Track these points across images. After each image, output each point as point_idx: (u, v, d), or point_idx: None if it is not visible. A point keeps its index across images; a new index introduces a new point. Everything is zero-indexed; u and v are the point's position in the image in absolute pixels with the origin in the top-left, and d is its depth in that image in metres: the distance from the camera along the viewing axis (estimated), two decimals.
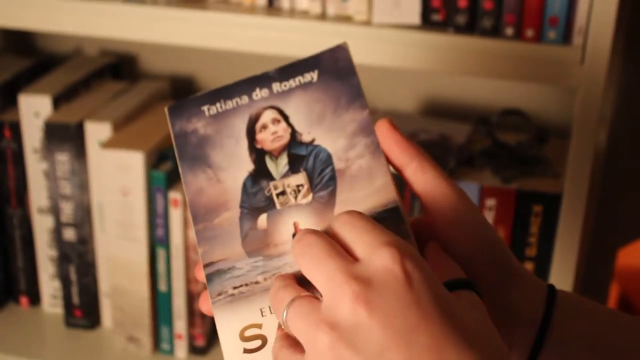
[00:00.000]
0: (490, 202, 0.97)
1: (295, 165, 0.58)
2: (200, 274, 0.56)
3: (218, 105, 0.61)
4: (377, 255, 0.46)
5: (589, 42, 0.84)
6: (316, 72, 0.60)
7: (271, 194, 0.57)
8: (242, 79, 0.61)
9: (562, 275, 0.93)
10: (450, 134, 1.06)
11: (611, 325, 0.57)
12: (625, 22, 0.93)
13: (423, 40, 0.88)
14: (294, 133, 0.59)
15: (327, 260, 0.47)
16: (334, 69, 0.60)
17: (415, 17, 0.90)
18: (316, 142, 0.58)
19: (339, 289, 0.45)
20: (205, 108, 0.61)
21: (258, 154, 0.59)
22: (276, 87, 0.60)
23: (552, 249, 0.95)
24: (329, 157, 0.58)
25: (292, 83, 0.60)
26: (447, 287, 0.48)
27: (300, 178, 0.57)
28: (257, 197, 0.58)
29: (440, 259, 0.52)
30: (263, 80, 0.61)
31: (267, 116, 0.60)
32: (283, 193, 0.57)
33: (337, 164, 0.57)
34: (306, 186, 0.57)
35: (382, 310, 0.44)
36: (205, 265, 0.57)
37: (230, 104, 0.61)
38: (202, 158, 0.60)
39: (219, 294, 0.55)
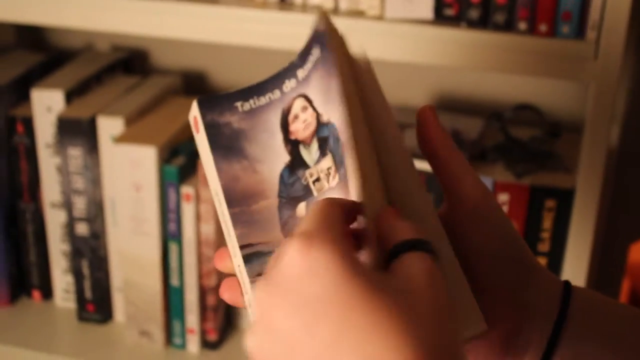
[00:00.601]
0: (503, 197, 0.97)
1: (323, 148, 0.58)
2: (221, 263, 0.57)
3: (251, 101, 0.61)
4: (284, 250, 0.45)
5: (602, 37, 0.83)
6: (318, 47, 0.59)
7: (308, 183, 0.58)
8: (274, 74, 0.61)
9: (574, 270, 0.93)
10: (463, 129, 1.05)
11: (627, 321, 0.57)
12: (639, 17, 0.93)
13: (436, 35, 0.88)
14: (318, 116, 0.59)
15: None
16: (322, 41, 0.58)
17: (428, 12, 0.90)
18: (331, 120, 0.58)
19: (259, 284, 0.46)
20: (238, 104, 0.62)
21: (293, 145, 0.60)
22: (300, 73, 0.60)
23: (564, 244, 0.94)
24: (337, 132, 0.57)
25: (309, 65, 0.60)
26: (395, 251, 0.47)
27: (328, 160, 0.57)
28: (294, 186, 0.58)
29: (387, 224, 0.50)
30: (290, 70, 0.61)
31: (297, 105, 0.60)
32: (318, 179, 0.57)
33: (342, 138, 0.56)
34: (333, 167, 0.57)
35: (284, 308, 0.44)
36: (243, 247, 0.58)
37: (263, 100, 0.61)
38: (237, 149, 0.61)
39: (259, 274, 0.56)
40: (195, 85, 1.26)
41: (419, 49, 0.89)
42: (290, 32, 0.92)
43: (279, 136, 0.60)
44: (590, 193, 0.89)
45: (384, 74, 1.15)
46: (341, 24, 0.90)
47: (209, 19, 0.94)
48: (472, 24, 0.89)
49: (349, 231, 0.49)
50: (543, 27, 0.87)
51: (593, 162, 0.88)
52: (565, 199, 0.95)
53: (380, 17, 0.90)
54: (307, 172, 0.58)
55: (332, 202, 0.49)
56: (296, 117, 0.60)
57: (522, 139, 1.03)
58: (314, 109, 0.59)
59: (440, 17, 0.90)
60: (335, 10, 0.92)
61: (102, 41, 1.28)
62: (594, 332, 0.55)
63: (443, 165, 0.57)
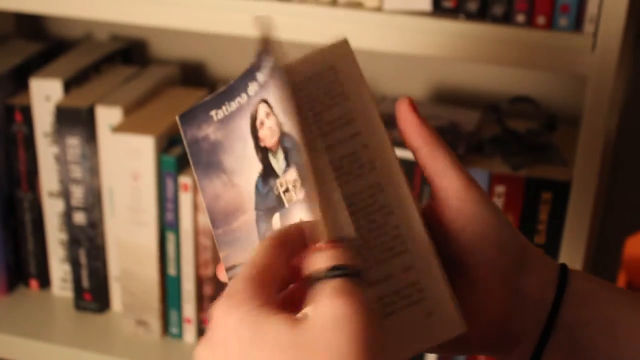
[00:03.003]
0: (500, 189, 0.97)
1: (287, 159, 0.56)
2: (222, 275, 0.58)
3: (224, 108, 0.59)
4: (214, 308, 0.48)
5: (600, 29, 0.84)
6: (269, 57, 0.56)
7: (279, 193, 0.56)
8: (239, 75, 0.59)
9: (570, 263, 0.92)
10: (459, 121, 1.06)
11: (625, 305, 0.57)
12: (637, 10, 0.93)
13: (434, 26, 0.88)
14: (280, 124, 0.56)
15: None
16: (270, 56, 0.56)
17: (426, 4, 0.90)
18: (289, 131, 0.55)
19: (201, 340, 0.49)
20: (213, 113, 0.60)
21: (263, 153, 0.57)
22: (260, 77, 0.57)
23: (560, 237, 0.95)
24: (299, 146, 0.54)
25: (266, 70, 0.57)
26: (309, 280, 0.47)
27: (293, 172, 0.55)
28: (268, 197, 0.57)
29: (310, 253, 0.50)
30: (251, 72, 0.58)
31: (262, 111, 0.57)
32: (287, 190, 0.56)
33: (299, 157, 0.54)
34: (299, 180, 0.54)
35: None
36: (228, 269, 0.58)
37: (234, 105, 0.59)
38: (216, 164, 0.59)
39: None
40: (194, 75, 1.26)
41: (417, 40, 0.89)
42: (290, 22, 0.92)
43: (250, 143, 0.58)
44: (587, 186, 0.89)
45: (382, 66, 1.16)
46: (340, 15, 0.91)
47: (208, 9, 0.94)
48: (471, 16, 0.89)
49: (287, 276, 0.50)
50: (541, 20, 0.87)
51: (590, 154, 0.88)
52: (561, 192, 0.95)
53: (378, 9, 0.91)
54: (278, 182, 0.56)
55: (273, 246, 0.50)
56: (262, 123, 0.57)
57: (519, 131, 1.03)
58: (276, 116, 0.56)
59: (438, 9, 0.90)
60: (334, 2, 0.92)
61: (101, 31, 1.28)
62: (591, 317, 0.55)
63: (425, 159, 0.57)
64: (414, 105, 0.58)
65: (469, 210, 0.55)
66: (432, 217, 0.57)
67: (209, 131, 0.60)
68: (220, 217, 0.58)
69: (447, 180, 0.56)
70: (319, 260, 0.48)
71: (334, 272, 0.46)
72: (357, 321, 0.44)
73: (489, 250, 0.55)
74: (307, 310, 0.46)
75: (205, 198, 0.59)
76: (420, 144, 0.57)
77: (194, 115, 0.61)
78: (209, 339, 0.47)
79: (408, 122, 0.58)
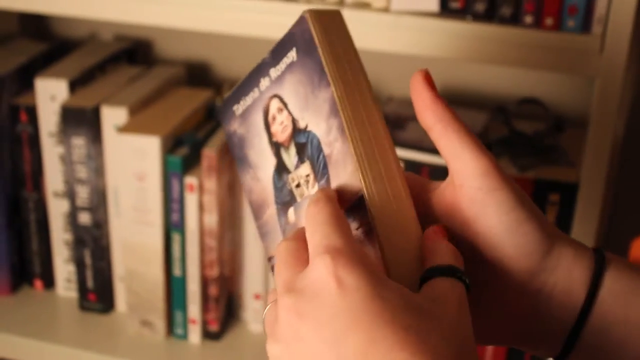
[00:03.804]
0: None
1: (301, 154, 0.55)
2: None
3: (242, 102, 0.60)
4: (314, 264, 0.46)
5: (608, 31, 0.83)
6: (294, 49, 0.55)
7: (291, 188, 0.56)
8: (251, 70, 0.59)
9: None
10: (467, 122, 1.05)
11: None
12: None
13: (441, 27, 0.88)
14: (294, 120, 0.55)
15: (281, 269, 0.49)
16: (304, 44, 0.54)
17: (433, 5, 0.89)
18: (309, 128, 0.54)
19: (279, 301, 0.47)
20: (235, 108, 0.60)
21: (276, 148, 0.57)
22: (273, 72, 0.57)
23: None
24: (319, 142, 0.54)
25: (282, 66, 0.56)
26: (429, 274, 0.48)
27: (307, 167, 0.55)
28: (283, 191, 0.57)
29: (431, 244, 0.50)
30: (263, 67, 0.58)
31: (273, 106, 0.57)
32: (299, 185, 0.56)
33: (325, 150, 0.53)
34: (312, 175, 0.54)
35: (313, 319, 0.44)
36: (269, 259, 0.59)
37: (249, 100, 0.59)
38: (244, 158, 0.60)
39: None
40: (199, 75, 1.26)
41: (424, 41, 0.89)
42: (293, 23, 0.91)
43: (265, 138, 0.58)
44: (594, 187, 0.89)
45: (389, 66, 1.16)
46: (347, 16, 0.90)
47: (213, 9, 0.94)
48: (478, 17, 0.89)
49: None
50: (549, 21, 0.87)
51: (597, 156, 0.87)
52: (569, 193, 0.95)
53: (386, 9, 0.90)
54: (290, 177, 0.56)
55: (334, 207, 0.49)
56: (274, 118, 0.57)
57: (527, 133, 1.03)
58: (289, 112, 0.56)
59: (446, 10, 0.90)
60: (341, 2, 0.92)
61: (105, 31, 1.28)
62: (625, 317, 0.51)
63: (438, 139, 0.53)
64: (429, 79, 0.54)
65: (484, 200, 0.51)
66: (448, 201, 0.53)
67: (235, 126, 0.61)
68: (255, 210, 0.60)
69: (461, 163, 0.52)
70: (446, 255, 0.49)
71: (461, 274, 0.48)
72: (471, 328, 0.47)
73: (505, 246, 0.51)
74: (429, 293, 0.47)
75: (245, 192, 0.61)
76: (432, 122, 0.53)
77: (225, 109, 0.62)
78: (307, 293, 0.45)
79: (420, 97, 0.53)
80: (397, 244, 0.50)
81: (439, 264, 0.48)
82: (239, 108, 0.60)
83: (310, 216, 0.49)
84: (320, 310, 0.44)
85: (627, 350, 0.51)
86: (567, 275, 0.51)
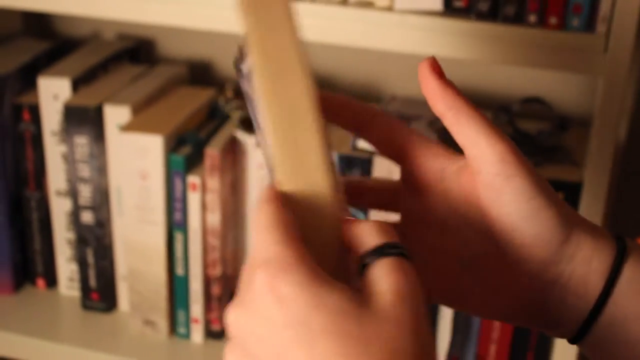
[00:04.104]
0: None
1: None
2: None
3: (246, 61, 0.58)
4: (252, 278, 0.44)
5: (612, 30, 0.83)
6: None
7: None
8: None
9: None
10: None
11: None
12: None
13: (445, 26, 0.88)
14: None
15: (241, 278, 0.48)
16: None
17: (437, 3, 0.89)
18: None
19: (228, 315, 0.45)
20: (242, 67, 0.59)
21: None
22: (244, 68, 0.57)
23: None
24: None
25: (245, 70, 0.57)
26: (363, 263, 0.45)
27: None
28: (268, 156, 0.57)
29: (354, 229, 0.47)
30: (238, 60, 0.59)
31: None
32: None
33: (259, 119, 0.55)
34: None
35: (257, 336, 0.43)
36: None
37: (245, 68, 0.58)
38: (255, 119, 0.59)
39: None
40: (202, 74, 1.26)
41: (427, 40, 0.89)
42: (300, 22, 0.91)
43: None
44: (598, 187, 0.89)
45: (392, 65, 1.16)
46: (350, 15, 0.90)
47: (216, 8, 0.93)
48: (482, 16, 0.88)
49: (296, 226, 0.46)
50: (553, 20, 0.86)
51: (601, 155, 0.87)
52: (572, 193, 0.95)
53: (389, 8, 0.90)
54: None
55: (273, 209, 0.46)
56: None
57: (530, 132, 1.03)
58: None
59: (449, 9, 0.89)
60: (345, 1, 0.92)
61: (108, 30, 1.28)
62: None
63: (452, 127, 0.52)
64: (437, 66, 0.53)
65: (502, 187, 0.50)
66: (465, 186, 0.53)
67: (245, 85, 0.59)
68: (270, 176, 0.58)
69: (477, 150, 0.51)
70: (369, 236, 0.46)
71: (391, 249, 0.45)
72: (419, 298, 0.44)
73: (522, 233, 0.50)
74: (366, 286, 0.44)
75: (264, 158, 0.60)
76: (443, 110, 0.52)
77: (237, 68, 0.60)
78: (250, 308, 0.44)
79: (430, 86, 0.53)
80: (313, 239, 0.47)
81: (369, 247, 0.46)
82: (244, 67, 0.59)
83: (253, 222, 0.47)
84: (261, 327, 0.43)
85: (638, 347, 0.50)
86: (585, 264, 0.51)
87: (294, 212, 0.47)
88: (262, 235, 0.45)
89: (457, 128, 0.52)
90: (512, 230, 0.51)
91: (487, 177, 0.51)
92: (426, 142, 0.56)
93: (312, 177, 0.48)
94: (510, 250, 0.51)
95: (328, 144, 0.49)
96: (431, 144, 0.55)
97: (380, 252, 0.45)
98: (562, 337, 0.54)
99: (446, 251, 0.55)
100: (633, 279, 0.50)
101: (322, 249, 0.48)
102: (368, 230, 0.46)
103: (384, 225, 0.46)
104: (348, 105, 0.57)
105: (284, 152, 0.48)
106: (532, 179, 0.50)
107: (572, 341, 0.53)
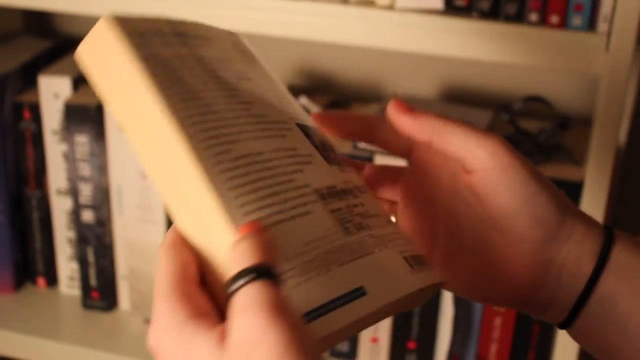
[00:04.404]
0: None
1: None
2: None
3: None
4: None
5: (614, 29, 0.83)
6: None
7: None
8: None
9: None
10: (471, 121, 1.05)
11: None
12: None
13: (446, 25, 0.88)
14: None
15: None
16: None
17: (438, 2, 0.89)
18: None
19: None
20: None
21: None
22: None
23: None
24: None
25: None
26: (227, 288, 0.44)
27: None
28: None
29: (233, 249, 0.46)
30: None
31: None
32: None
33: None
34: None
35: None
36: None
37: None
38: None
39: None
40: None
41: (429, 39, 0.88)
42: (300, 20, 0.91)
43: None
44: (599, 186, 0.88)
45: (393, 64, 1.15)
46: (351, 13, 0.90)
47: (215, 6, 0.93)
48: (483, 15, 0.88)
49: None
50: (554, 19, 0.86)
51: (602, 155, 0.87)
52: (573, 192, 0.95)
53: (390, 7, 0.90)
54: None
55: (167, 254, 0.47)
56: None
57: (531, 131, 1.02)
58: None
59: (450, 8, 0.89)
60: (346, 0, 0.91)
61: None
62: (631, 292, 0.53)
63: (441, 147, 0.55)
64: (402, 104, 0.56)
65: (498, 178, 0.53)
66: (460, 185, 0.56)
67: None
68: None
69: (467, 152, 0.54)
70: (232, 262, 0.45)
71: (239, 281, 0.43)
72: (275, 332, 0.41)
73: (520, 216, 0.53)
74: (228, 324, 0.44)
75: None
76: (427, 136, 0.56)
77: None
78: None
79: (404, 124, 0.56)
80: (211, 273, 0.48)
81: (229, 276, 0.44)
82: None
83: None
84: None
85: (632, 323, 0.53)
86: (578, 246, 0.54)
87: (191, 250, 0.47)
88: (155, 288, 0.47)
89: (445, 144, 0.55)
90: (511, 215, 0.54)
91: (481, 173, 0.54)
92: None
93: (202, 213, 0.48)
94: (511, 232, 0.54)
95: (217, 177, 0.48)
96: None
97: (235, 280, 0.44)
98: (554, 320, 0.56)
99: (450, 234, 0.57)
100: (621, 261, 0.53)
101: (219, 282, 0.47)
102: (232, 254, 0.45)
103: (249, 245, 0.45)
104: (347, 119, 0.60)
105: (169, 198, 0.49)
106: (526, 167, 0.54)
107: (563, 325, 0.55)
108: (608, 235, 0.54)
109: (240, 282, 0.43)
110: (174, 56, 0.53)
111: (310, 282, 0.48)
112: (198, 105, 0.51)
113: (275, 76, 0.62)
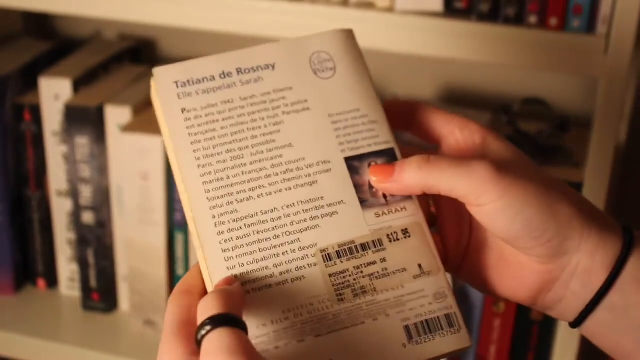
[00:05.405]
0: None
1: None
2: None
3: None
4: None
5: (613, 31, 0.83)
6: None
7: None
8: None
9: None
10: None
11: None
12: None
13: (445, 27, 0.88)
14: None
15: None
16: None
17: (438, 4, 0.89)
18: None
19: None
20: None
21: None
22: None
23: None
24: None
25: None
26: (197, 336, 0.47)
27: None
28: None
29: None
30: None
31: None
32: None
33: None
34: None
35: None
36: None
37: None
38: None
39: None
40: None
41: (428, 41, 0.89)
42: (300, 23, 0.91)
43: None
44: (598, 187, 0.89)
45: (393, 66, 1.15)
46: (351, 16, 0.91)
47: (217, 8, 0.94)
48: (482, 17, 0.89)
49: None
50: (553, 21, 0.87)
51: (601, 156, 0.87)
52: None
53: (390, 9, 0.90)
54: None
55: (172, 299, 0.52)
56: None
57: (531, 133, 1.03)
58: None
59: (450, 10, 0.89)
60: (345, 2, 0.92)
61: (109, 30, 1.28)
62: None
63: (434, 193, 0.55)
64: (378, 171, 0.55)
65: (490, 212, 0.52)
66: (453, 209, 0.57)
67: None
68: None
69: (462, 195, 0.53)
70: (200, 311, 0.48)
71: (202, 330, 0.46)
72: None
73: (518, 243, 0.52)
74: None
75: None
76: (421, 192, 0.55)
77: None
78: None
79: (393, 192, 0.55)
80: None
81: (199, 323, 0.48)
82: None
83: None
84: None
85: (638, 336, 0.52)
86: (589, 257, 0.52)
87: (197, 297, 0.51)
88: (164, 328, 0.50)
89: (437, 188, 0.53)
90: (511, 240, 0.53)
91: (474, 209, 0.53)
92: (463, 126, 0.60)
93: (201, 264, 0.52)
94: (517, 249, 0.54)
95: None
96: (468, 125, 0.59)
97: (200, 329, 0.47)
98: (563, 320, 0.55)
99: (477, 227, 0.57)
100: (634, 275, 0.51)
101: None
102: (199, 306, 0.48)
103: (214, 296, 0.48)
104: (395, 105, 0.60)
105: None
106: (520, 190, 0.51)
107: (572, 325, 0.55)
108: (626, 241, 0.52)
109: (203, 331, 0.46)
110: (211, 104, 0.55)
111: (278, 350, 0.49)
112: (218, 162, 0.53)
113: (371, 87, 0.58)
